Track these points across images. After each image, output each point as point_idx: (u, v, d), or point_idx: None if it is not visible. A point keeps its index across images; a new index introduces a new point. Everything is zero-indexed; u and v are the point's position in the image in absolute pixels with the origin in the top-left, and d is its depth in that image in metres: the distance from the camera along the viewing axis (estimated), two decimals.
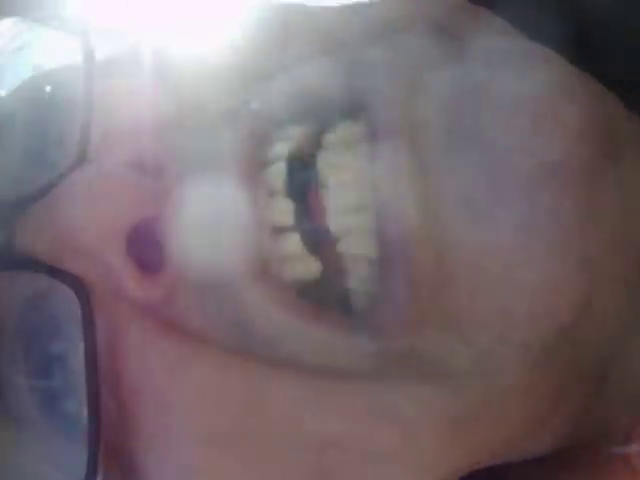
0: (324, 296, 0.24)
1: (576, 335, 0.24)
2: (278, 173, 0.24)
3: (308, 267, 0.24)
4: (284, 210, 0.24)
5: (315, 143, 0.25)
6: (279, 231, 0.24)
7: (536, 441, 0.28)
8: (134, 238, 0.25)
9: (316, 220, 0.24)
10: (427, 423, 0.24)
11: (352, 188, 0.24)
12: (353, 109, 0.25)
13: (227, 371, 0.24)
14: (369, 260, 0.23)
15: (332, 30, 0.27)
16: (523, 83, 0.23)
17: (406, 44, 0.26)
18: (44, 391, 0.27)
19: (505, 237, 0.22)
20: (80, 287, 0.25)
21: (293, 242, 0.24)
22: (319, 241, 0.24)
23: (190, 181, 0.24)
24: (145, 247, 0.25)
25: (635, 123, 0.30)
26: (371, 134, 0.24)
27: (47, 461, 0.27)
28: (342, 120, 0.25)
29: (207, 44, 0.27)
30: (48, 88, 0.29)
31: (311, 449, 0.25)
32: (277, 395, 0.24)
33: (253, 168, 0.24)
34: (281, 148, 0.25)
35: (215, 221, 0.24)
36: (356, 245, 0.24)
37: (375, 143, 0.23)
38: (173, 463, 0.25)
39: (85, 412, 0.25)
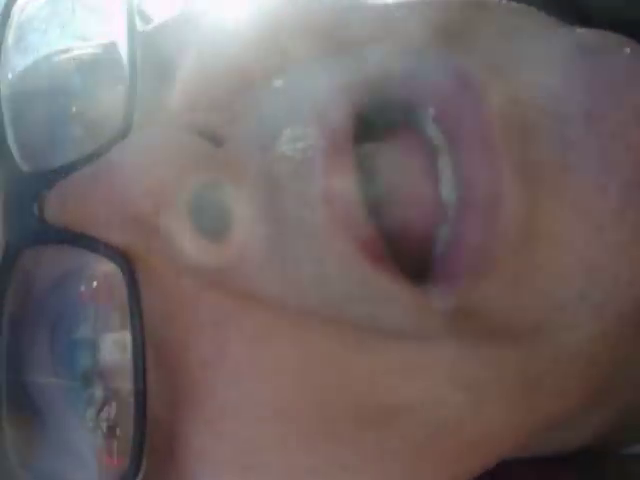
0: (404, 253, 0.24)
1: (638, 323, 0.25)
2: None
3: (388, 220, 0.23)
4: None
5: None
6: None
7: (574, 432, 0.28)
8: (200, 203, 0.23)
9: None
10: (498, 390, 0.24)
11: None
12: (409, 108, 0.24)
13: (302, 341, 0.24)
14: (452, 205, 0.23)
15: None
16: (633, 67, 0.24)
17: (484, 41, 0.26)
18: (75, 380, 0.25)
19: (605, 199, 0.23)
20: (126, 260, 0.24)
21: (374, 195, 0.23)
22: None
23: (262, 149, 0.24)
24: (208, 213, 0.24)
25: None
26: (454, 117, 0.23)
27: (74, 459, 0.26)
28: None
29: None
30: (90, 55, 0.28)
31: (379, 419, 0.24)
32: (350, 364, 0.24)
33: (335, 134, 0.23)
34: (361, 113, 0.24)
35: (292, 182, 0.23)
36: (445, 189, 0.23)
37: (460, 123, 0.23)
38: (237, 440, 0.24)
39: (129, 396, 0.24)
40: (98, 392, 0.25)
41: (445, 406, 0.24)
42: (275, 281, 0.24)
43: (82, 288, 0.25)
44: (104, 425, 0.25)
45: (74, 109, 0.27)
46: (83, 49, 0.29)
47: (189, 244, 0.23)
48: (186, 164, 0.23)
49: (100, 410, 0.25)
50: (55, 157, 0.26)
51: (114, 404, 0.25)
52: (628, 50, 0.25)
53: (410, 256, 0.24)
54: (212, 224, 0.24)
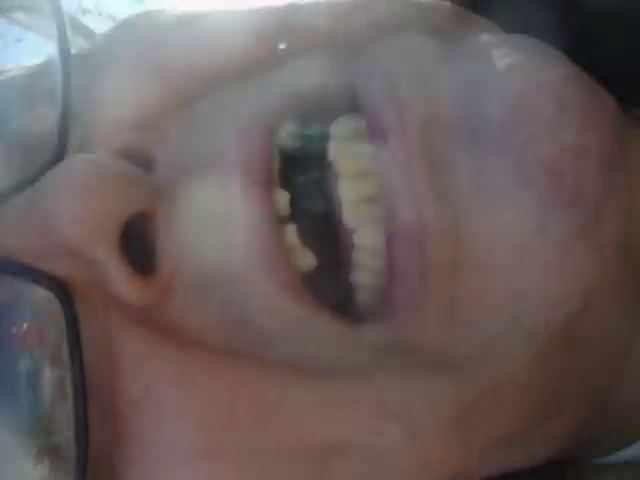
0: (327, 289, 0.23)
1: (575, 335, 0.24)
2: (276, 166, 0.24)
3: (304, 259, 0.23)
4: (282, 201, 0.23)
5: (317, 137, 0.24)
6: (280, 222, 0.23)
7: (531, 447, 0.27)
8: (125, 235, 0.23)
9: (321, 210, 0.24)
10: (433, 419, 0.24)
11: (365, 179, 0.23)
12: (353, 107, 0.24)
13: (230, 380, 0.23)
14: (378, 251, 0.23)
15: (332, 29, 0.26)
16: (545, 71, 0.23)
17: (407, 43, 0.25)
18: (16, 411, 0.25)
19: (523, 219, 0.22)
20: (63, 291, 0.23)
21: (291, 234, 0.23)
22: (322, 233, 0.24)
23: (186, 175, 0.23)
24: (137, 245, 0.23)
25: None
26: (378, 130, 0.23)
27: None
28: (343, 115, 0.24)
29: (201, 33, 0.26)
30: (25, 82, 0.28)
31: (316, 457, 0.24)
32: (281, 403, 0.24)
33: (253, 162, 0.23)
34: (282, 141, 0.24)
35: (216, 216, 0.23)
36: (367, 236, 0.23)
37: (384, 139, 0.23)
38: (170, 477, 0.24)
39: (67, 430, 0.24)
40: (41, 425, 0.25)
41: (381, 438, 0.24)
42: (202, 321, 0.23)
43: (16, 325, 0.25)
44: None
45: (7, 134, 0.27)
46: (17, 71, 0.29)
47: (117, 276, 0.23)
48: (117, 193, 0.23)
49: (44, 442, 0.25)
50: None
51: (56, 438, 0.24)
52: (539, 52, 0.24)
53: (333, 288, 0.23)
54: (141, 256, 0.24)
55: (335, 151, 0.23)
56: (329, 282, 0.24)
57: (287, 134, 0.24)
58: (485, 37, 0.26)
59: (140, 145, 0.25)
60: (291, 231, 0.23)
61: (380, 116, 0.23)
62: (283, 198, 0.23)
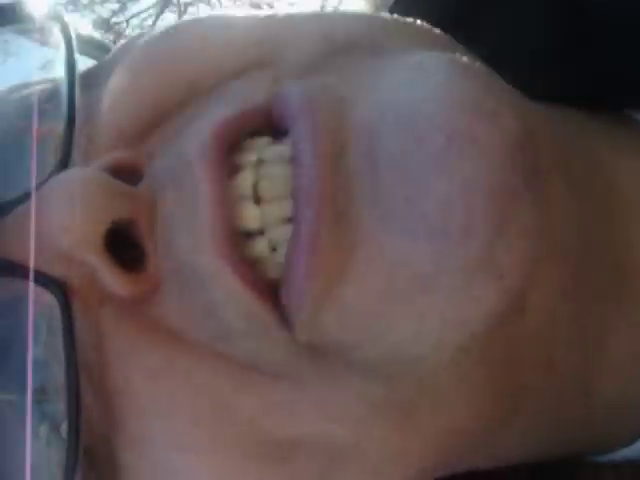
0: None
1: (509, 335, 0.25)
2: (245, 180, 0.25)
3: (272, 267, 0.25)
4: (250, 214, 0.25)
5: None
6: (247, 235, 0.25)
7: (499, 445, 0.28)
8: (113, 238, 0.25)
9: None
10: (376, 418, 0.25)
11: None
12: (279, 130, 0.26)
13: (194, 376, 0.25)
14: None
15: (269, 46, 0.28)
16: (438, 100, 0.24)
17: (331, 66, 0.27)
18: (19, 399, 0.27)
19: (419, 248, 0.23)
20: (61, 291, 0.26)
21: (261, 245, 0.25)
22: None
23: (163, 189, 0.26)
24: (124, 246, 0.26)
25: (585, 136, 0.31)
26: (295, 156, 0.24)
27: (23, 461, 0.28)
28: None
29: (182, 46, 0.28)
30: (31, 98, 0.30)
31: (276, 454, 0.25)
32: (236, 401, 0.25)
33: (222, 174, 0.25)
34: (248, 156, 0.26)
35: (187, 223, 0.25)
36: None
37: (299, 166, 0.24)
38: (153, 464, 0.26)
39: (64, 412, 0.26)
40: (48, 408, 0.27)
41: (331, 438, 0.25)
42: (176, 313, 0.26)
43: (24, 314, 0.27)
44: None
45: (14, 147, 0.29)
46: (25, 88, 0.31)
47: (107, 275, 0.25)
48: (101, 203, 0.25)
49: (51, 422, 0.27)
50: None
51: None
52: (444, 74, 0.24)
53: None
54: (129, 256, 0.26)
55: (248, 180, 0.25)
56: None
57: (253, 149, 0.26)
58: (407, 58, 0.26)
59: (132, 160, 0.27)
60: (259, 243, 0.25)
61: (296, 144, 0.24)
62: (252, 212, 0.25)
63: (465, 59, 0.26)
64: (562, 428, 0.30)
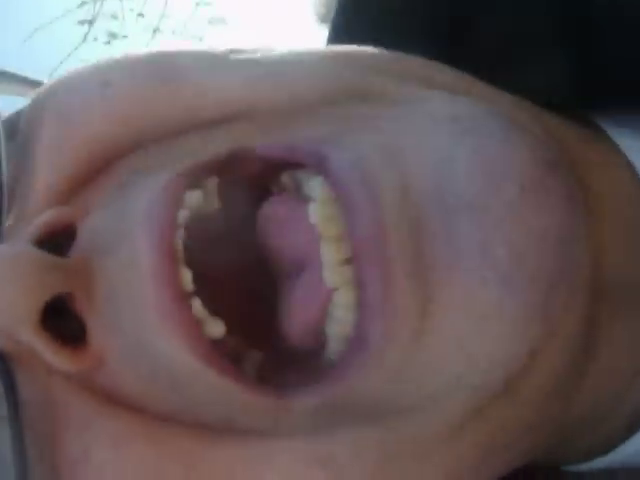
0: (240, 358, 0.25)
1: (516, 390, 0.26)
2: (180, 241, 0.25)
3: (214, 327, 0.25)
4: (185, 279, 0.25)
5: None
6: (185, 297, 0.25)
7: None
8: (49, 314, 0.25)
9: None
10: (359, 464, 0.25)
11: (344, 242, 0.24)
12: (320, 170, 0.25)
13: (164, 446, 0.25)
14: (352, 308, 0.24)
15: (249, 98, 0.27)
16: (505, 150, 0.25)
17: (314, 117, 0.27)
18: None
19: (486, 293, 0.24)
20: (2, 361, 0.25)
21: (197, 306, 0.25)
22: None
23: (101, 253, 0.25)
24: (63, 321, 0.25)
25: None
26: (349, 204, 0.24)
27: None
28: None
29: (116, 98, 0.27)
30: None
31: None
32: (215, 459, 0.25)
33: (161, 236, 0.25)
34: (183, 214, 0.25)
35: (127, 294, 0.24)
36: (345, 295, 0.25)
37: (355, 212, 0.24)
38: None
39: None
40: None
41: None
42: (135, 386, 0.25)
43: None
44: None
45: None
46: None
47: (46, 353, 0.25)
48: (33, 282, 0.25)
49: None
50: None
51: None
52: (497, 126, 0.25)
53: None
54: (70, 331, 0.25)
55: (317, 214, 0.25)
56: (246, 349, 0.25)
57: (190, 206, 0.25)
58: (430, 107, 0.26)
59: (66, 220, 0.26)
60: (196, 304, 0.25)
61: (350, 190, 0.24)
62: (186, 276, 0.25)
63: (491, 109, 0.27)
64: (539, 443, 0.30)
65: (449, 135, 0.25)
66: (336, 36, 0.38)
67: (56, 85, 0.30)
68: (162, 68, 0.28)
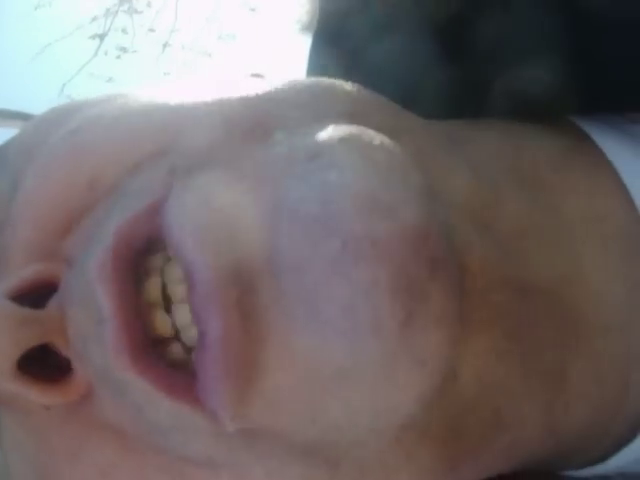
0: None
1: (447, 404, 0.25)
2: (153, 285, 0.25)
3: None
4: (160, 323, 0.25)
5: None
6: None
7: None
8: (31, 355, 0.25)
9: None
10: None
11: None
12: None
13: (140, 473, 0.25)
14: None
15: (168, 133, 0.27)
16: (332, 200, 0.23)
17: (225, 154, 0.26)
18: None
19: (331, 345, 0.23)
20: None
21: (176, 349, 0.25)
22: None
23: (73, 302, 0.25)
24: (45, 362, 0.26)
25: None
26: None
27: None
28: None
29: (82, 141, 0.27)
30: None
31: None
32: None
33: (123, 290, 0.25)
34: (155, 261, 0.25)
35: (96, 339, 0.25)
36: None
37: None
38: None
39: None
40: None
41: None
42: (112, 411, 0.26)
43: None
44: None
45: None
46: None
47: (30, 396, 0.25)
48: (8, 338, 0.25)
49: None
50: None
51: None
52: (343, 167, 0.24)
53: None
54: (54, 370, 0.26)
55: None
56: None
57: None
58: (304, 141, 0.25)
59: (46, 275, 0.27)
60: (174, 347, 0.25)
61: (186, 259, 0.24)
62: (161, 319, 0.25)
63: (367, 135, 0.25)
64: (526, 456, 0.30)
65: (293, 181, 0.24)
66: (319, 45, 0.38)
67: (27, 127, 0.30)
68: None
